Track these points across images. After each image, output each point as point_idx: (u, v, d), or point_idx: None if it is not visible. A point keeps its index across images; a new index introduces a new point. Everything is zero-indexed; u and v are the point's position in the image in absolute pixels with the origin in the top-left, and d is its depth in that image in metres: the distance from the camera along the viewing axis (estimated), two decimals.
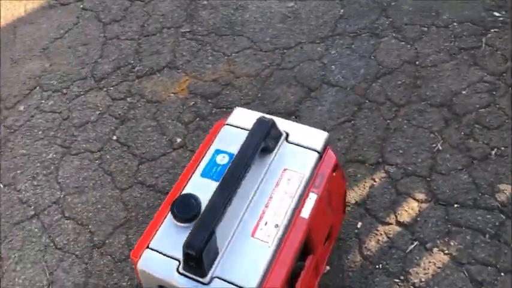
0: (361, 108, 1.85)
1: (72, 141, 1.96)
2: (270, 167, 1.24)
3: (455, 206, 1.58)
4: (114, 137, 1.94)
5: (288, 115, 1.87)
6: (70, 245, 1.69)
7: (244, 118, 1.34)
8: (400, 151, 1.72)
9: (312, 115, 1.86)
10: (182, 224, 1.16)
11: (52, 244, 1.70)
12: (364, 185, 1.67)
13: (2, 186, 1.87)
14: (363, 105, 1.86)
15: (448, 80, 1.87)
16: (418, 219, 1.57)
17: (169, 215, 1.18)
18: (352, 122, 1.82)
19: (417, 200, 1.61)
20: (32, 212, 1.78)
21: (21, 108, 2.10)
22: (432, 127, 1.76)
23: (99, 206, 1.76)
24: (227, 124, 1.35)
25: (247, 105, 1.93)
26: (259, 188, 1.21)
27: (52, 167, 1.89)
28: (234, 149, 1.22)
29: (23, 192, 1.84)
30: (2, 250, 1.71)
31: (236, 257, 1.11)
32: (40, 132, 2.01)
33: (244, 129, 1.30)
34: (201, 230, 1.07)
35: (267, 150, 1.25)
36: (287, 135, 1.30)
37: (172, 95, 2.03)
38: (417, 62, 1.94)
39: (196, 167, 1.27)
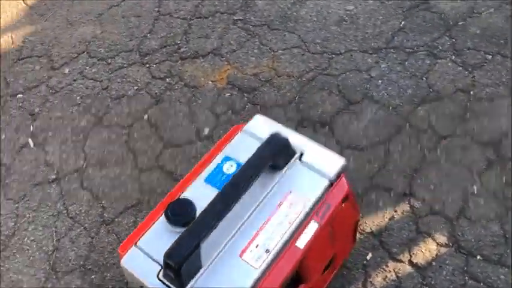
0: (399, 132, 1.73)
1: (105, 113, 1.97)
2: (276, 186, 1.18)
3: (478, 257, 1.46)
4: (146, 116, 1.93)
5: (321, 125, 1.79)
6: (81, 216, 1.71)
7: (262, 127, 1.28)
8: (431, 186, 1.60)
9: (346, 130, 1.76)
10: (174, 228, 1.13)
11: (65, 212, 1.73)
12: (384, 215, 1.57)
13: (32, 145, 1.92)
14: (402, 129, 1.74)
15: (501, 117, 1.71)
16: (434, 263, 1.46)
17: (163, 216, 1.15)
18: (387, 145, 1.71)
19: (437, 243, 1.50)
20: (54, 176, 1.82)
21: (66, 70, 2.14)
22: (472, 166, 1.62)
23: (116, 182, 1.77)
24: (243, 131, 1.29)
25: (281, 106, 1.86)
26: (259, 207, 1.15)
27: (81, 135, 1.92)
28: (244, 159, 1.17)
29: (50, 155, 1.88)
30: (20, 208, 1.77)
31: (219, 275, 1.07)
32: (78, 98, 2.04)
33: (260, 139, 1.24)
34: (185, 242, 1.03)
35: (277, 168, 1.19)
36: (301, 154, 1.22)
37: (210, 82, 1.99)
38: (471, 92, 1.78)
39: (203, 171, 1.23)
